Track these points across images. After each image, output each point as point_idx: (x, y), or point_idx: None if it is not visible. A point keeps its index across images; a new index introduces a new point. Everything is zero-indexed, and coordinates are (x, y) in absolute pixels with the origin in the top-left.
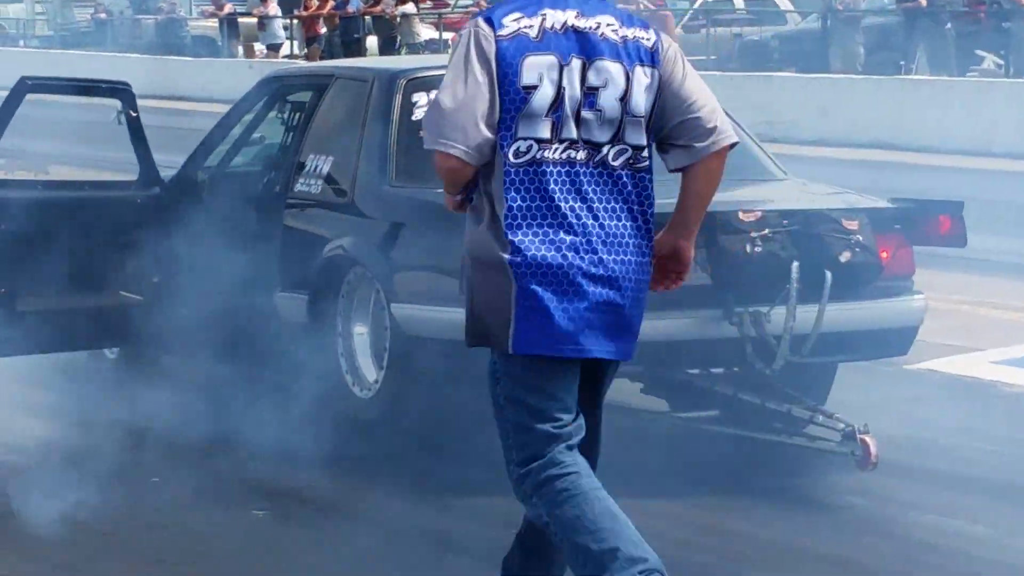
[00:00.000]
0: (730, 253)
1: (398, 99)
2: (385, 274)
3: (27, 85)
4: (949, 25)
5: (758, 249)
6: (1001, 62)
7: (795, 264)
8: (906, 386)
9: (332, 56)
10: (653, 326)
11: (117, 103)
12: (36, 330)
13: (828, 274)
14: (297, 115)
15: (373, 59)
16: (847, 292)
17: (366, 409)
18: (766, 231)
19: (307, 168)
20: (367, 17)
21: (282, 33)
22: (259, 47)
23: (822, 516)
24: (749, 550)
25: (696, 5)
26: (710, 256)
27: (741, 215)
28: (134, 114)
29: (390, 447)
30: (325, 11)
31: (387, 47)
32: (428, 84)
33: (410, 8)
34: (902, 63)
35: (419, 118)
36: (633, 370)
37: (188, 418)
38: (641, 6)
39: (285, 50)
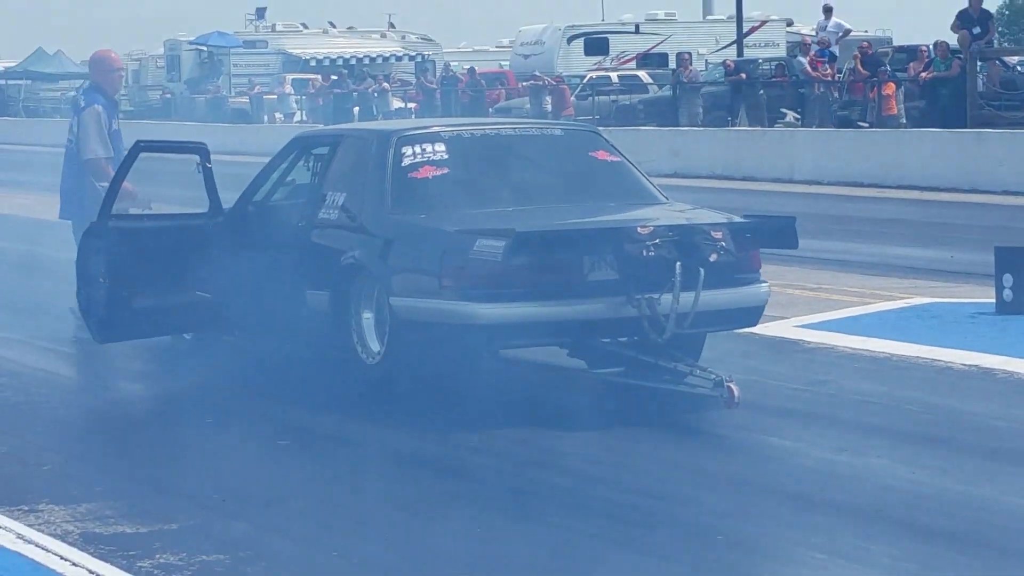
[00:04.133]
0: (631, 256)
1: (391, 151)
2: (384, 276)
3: (140, 146)
4: (762, 91)
5: (651, 253)
6: (799, 116)
7: (678, 263)
8: (737, 345)
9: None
10: (577, 309)
11: (197, 157)
12: (147, 320)
13: (701, 270)
14: (318, 163)
15: (372, 123)
16: (715, 282)
17: (372, 371)
18: (657, 240)
19: (327, 202)
20: (355, 93)
21: (294, 105)
22: (278, 115)
23: (696, 440)
24: (645, 465)
25: (584, 80)
26: (617, 258)
27: (639, 229)
28: (208, 165)
29: (390, 399)
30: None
31: (366, 115)
32: (414, 140)
33: (386, 87)
34: (729, 118)
35: (407, 164)
36: (562, 340)
37: (239, 379)
38: (545, 82)
39: (297, 118)
